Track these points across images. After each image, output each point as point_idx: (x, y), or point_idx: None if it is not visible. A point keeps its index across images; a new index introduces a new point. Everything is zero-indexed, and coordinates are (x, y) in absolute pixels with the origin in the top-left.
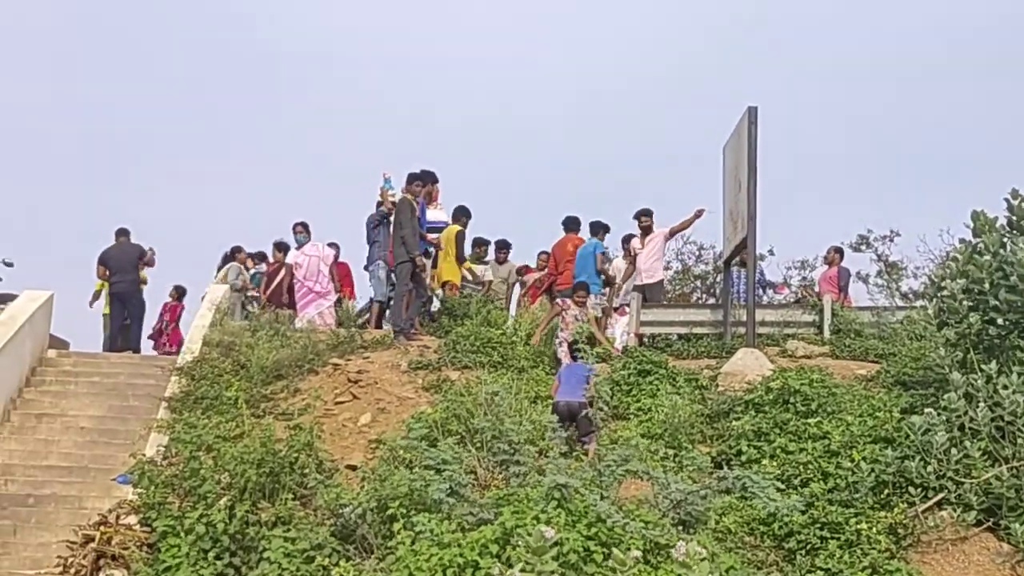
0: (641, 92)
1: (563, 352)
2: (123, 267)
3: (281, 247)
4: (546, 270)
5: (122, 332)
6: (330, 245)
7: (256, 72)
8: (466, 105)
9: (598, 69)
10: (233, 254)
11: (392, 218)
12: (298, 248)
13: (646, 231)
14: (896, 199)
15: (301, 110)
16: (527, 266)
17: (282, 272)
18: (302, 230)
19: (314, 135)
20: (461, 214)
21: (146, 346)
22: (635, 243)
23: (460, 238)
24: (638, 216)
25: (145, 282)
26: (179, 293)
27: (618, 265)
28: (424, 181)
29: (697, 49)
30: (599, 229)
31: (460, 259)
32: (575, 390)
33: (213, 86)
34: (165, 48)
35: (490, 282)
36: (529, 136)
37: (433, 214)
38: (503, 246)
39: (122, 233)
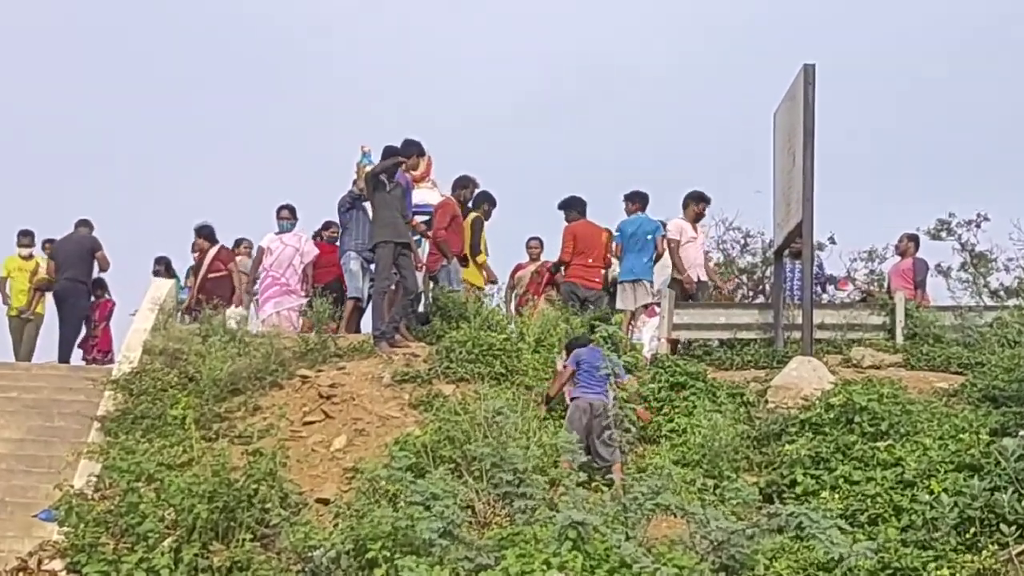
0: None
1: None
2: (71, 261)
3: (203, 231)
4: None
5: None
6: (319, 236)
7: (243, 62)
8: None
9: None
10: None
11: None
12: (278, 234)
13: (697, 218)
14: (984, 177)
15: (290, 103)
16: (518, 264)
17: (208, 259)
18: (288, 215)
19: (304, 129)
20: (483, 200)
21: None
22: (685, 228)
23: (478, 226)
24: (697, 199)
25: (103, 288)
26: (104, 288)
27: None
28: (407, 155)
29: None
30: (643, 200)
31: (475, 252)
32: (602, 384)
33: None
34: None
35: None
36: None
37: (422, 194)
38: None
39: (82, 224)
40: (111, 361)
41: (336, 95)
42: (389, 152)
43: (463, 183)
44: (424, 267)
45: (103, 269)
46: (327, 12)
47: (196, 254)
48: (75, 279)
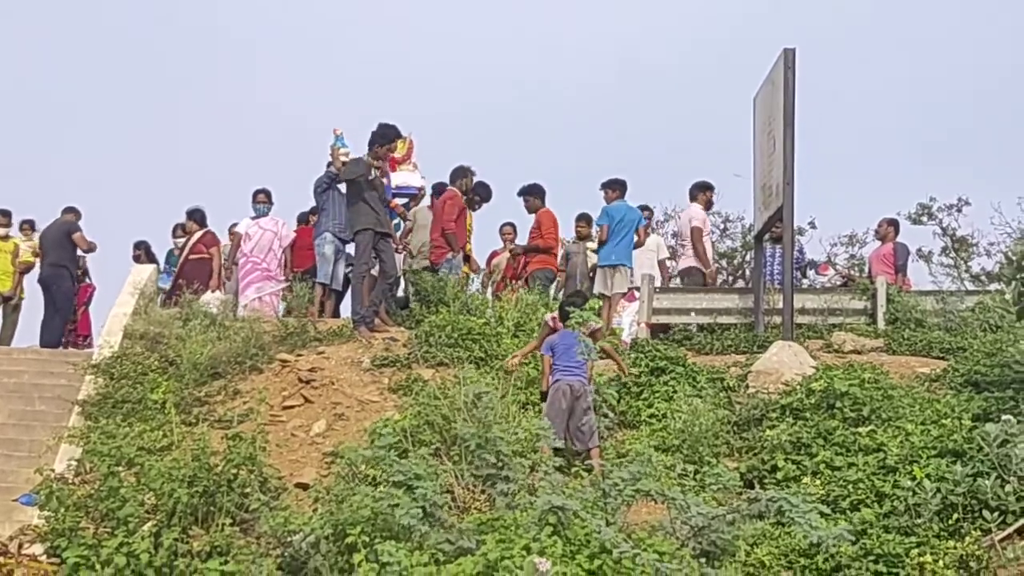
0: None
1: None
2: (51, 247)
3: (195, 215)
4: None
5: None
6: (306, 220)
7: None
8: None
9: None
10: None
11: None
12: (255, 218)
13: (708, 206)
14: (964, 161)
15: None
16: (493, 251)
17: (192, 241)
18: (264, 199)
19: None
20: (477, 190)
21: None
22: (699, 217)
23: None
24: (705, 188)
25: (84, 272)
26: (84, 271)
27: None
28: (386, 140)
29: None
30: (622, 187)
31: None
32: (580, 364)
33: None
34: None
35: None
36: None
37: (403, 176)
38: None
39: (67, 211)
40: (90, 345)
41: (311, 77)
42: (378, 132)
43: (461, 173)
44: (404, 249)
45: (86, 250)
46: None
47: (184, 237)
48: (56, 263)
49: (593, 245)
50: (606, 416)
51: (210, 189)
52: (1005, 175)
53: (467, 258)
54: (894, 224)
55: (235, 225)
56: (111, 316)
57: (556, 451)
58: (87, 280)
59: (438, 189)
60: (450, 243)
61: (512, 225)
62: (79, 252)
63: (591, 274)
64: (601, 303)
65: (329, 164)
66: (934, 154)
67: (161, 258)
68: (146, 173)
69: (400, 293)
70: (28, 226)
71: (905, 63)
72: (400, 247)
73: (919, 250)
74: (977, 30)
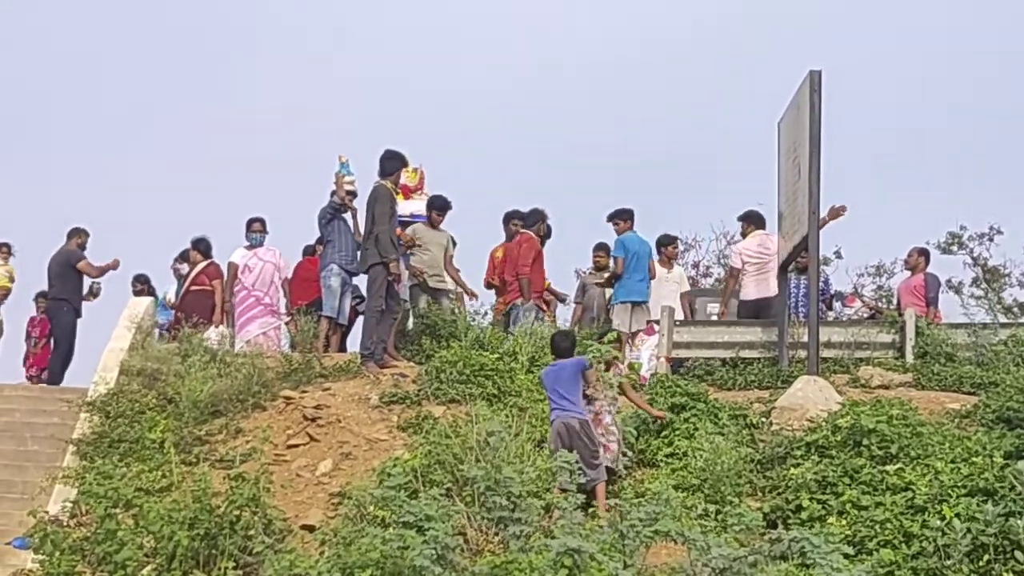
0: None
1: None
2: (52, 279)
3: (199, 245)
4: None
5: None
6: (313, 251)
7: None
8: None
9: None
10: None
11: (356, 211)
12: (250, 248)
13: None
14: (996, 188)
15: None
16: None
17: (195, 272)
18: (260, 228)
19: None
20: (536, 219)
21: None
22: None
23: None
24: (750, 218)
25: (95, 294)
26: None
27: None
28: (390, 171)
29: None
30: (631, 217)
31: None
32: (569, 398)
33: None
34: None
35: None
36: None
37: (414, 205)
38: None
39: (73, 234)
40: (43, 380)
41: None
42: (390, 163)
43: (539, 216)
44: (403, 280)
45: (96, 276)
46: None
47: (185, 267)
48: (56, 297)
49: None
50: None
51: (202, 217)
52: None
53: (547, 302)
54: (925, 254)
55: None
56: (107, 351)
57: (563, 490)
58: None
59: (506, 217)
60: (523, 289)
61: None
62: (90, 279)
63: (608, 307)
64: (616, 335)
65: (333, 193)
66: (964, 181)
67: (163, 292)
68: (132, 199)
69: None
70: (5, 249)
71: (933, 86)
72: (398, 279)
73: (949, 281)
74: (1009, 51)
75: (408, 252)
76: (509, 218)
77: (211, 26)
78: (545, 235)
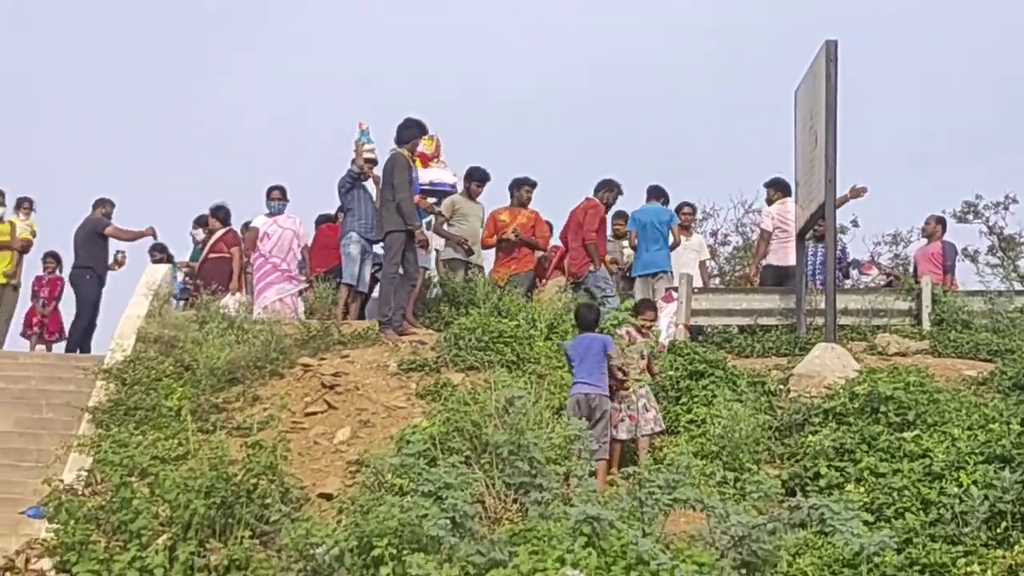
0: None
1: (627, 421)
2: (77, 248)
3: (218, 212)
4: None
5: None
6: (334, 219)
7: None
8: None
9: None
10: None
11: (376, 178)
12: (270, 216)
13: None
14: (1011, 157)
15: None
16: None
17: (213, 239)
18: (279, 196)
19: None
20: (602, 187)
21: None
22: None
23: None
24: (777, 185)
25: (120, 263)
26: (56, 262)
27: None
28: (408, 138)
29: None
30: (660, 194)
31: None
32: (593, 373)
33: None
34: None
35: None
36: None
37: (433, 173)
38: (479, 178)
39: (98, 203)
40: (59, 341)
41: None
42: (408, 130)
43: (608, 186)
44: (429, 247)
45: (129, 240)
46: None
47: (201, 233)
48: (79, 265)
49: (625, 243)
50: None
51: (220, 186)
52: None
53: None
54: (942, 222)
55: (248, 223)
56: (123, 318)
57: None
58: (59, 272)
59: (517, 183)
60: (591, 255)
61: (548, 224)
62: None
63: (627, 273)
64: (633, 302)
65: (352, 161)
66: (980, 150)
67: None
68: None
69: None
70: (27, 204)
71: (948, 56)
72: (424, 246)
73: (965, 249)
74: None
75: (447, 222)
76: (520, 184)
77: None
78: (609, 204)
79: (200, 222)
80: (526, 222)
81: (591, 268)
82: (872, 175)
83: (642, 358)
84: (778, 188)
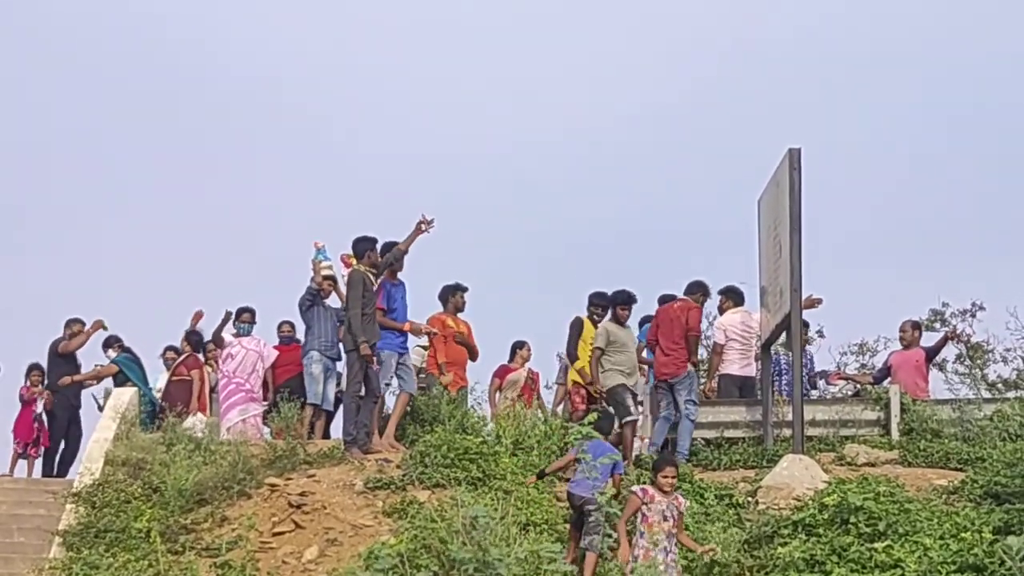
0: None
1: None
2: (48, 372)
3: (191, 337)
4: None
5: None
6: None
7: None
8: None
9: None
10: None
11: (341, 294)
12: (236, 336)
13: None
14: (977, 264)
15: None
16: (504, 366)
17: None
18: (248, 319)
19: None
20: (697, 289)
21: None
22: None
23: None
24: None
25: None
26: (42, 373)
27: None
28: (359, 252)
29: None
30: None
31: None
32: (586, 479)
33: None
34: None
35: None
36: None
37: None
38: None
39: (67, 325)
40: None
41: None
42: (363, 245)
43: (703, 290)
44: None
45: (75, 348)
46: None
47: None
48: (52, 389)
49: None
50: (609, 536)
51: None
52: (1021, 278)
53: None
54: (919, 327)
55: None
56: (92, 442)
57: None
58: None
59: (452, 289)
60: (693, 352)
61: (529, 347)
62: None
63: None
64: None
65: (312, 279)
66: (945, 257)
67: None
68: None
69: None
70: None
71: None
72: (366, 358)
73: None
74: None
75: (603, 354)
76: (455, 290)
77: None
78: (596, 306)
79: (175, 349)
80: (466, 331)
81: (688, 369)
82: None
83: (665, 520)
84: (730, 296)
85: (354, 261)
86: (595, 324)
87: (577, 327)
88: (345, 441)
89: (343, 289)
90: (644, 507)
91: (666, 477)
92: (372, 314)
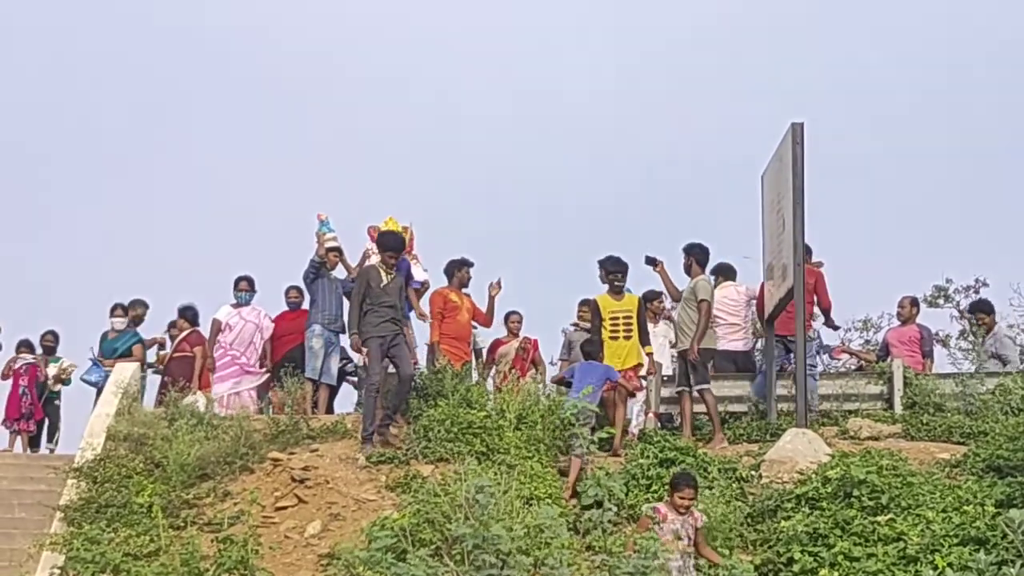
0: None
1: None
2: None
3: (186, 313)
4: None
5: None
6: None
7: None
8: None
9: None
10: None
11: (348, 266)
12: (236, 306)
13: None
14: (982, 240)
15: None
16: (497, 340)
17: (178, 340)
18: (247, 287)
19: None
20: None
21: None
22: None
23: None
24: (720, 271)
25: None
26: (31, 350)
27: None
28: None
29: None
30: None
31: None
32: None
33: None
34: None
35: None
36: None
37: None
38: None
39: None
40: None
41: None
42: (385, 240)
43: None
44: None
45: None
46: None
47: (174, 334)
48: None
49: None
50: (611, 510)
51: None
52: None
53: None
54: (916, 304)
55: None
56: (93, 417)
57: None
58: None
59: (459, 264)
60: (830, 320)
61: (519, 314)
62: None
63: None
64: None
65: (316, 251)
66: (949, 233)
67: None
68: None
69: None
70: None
71: (915, 134)
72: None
73: (936, 334)
74: (996, 99)
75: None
76: (460, 265)
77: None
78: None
79: (172, 325)
80: (470, 305)
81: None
82: (840, 259)
83: (679, 539)
84: (720, 272)
85: (376, 234)
86: (615, 291)
87: (597, 312)
88: (361, 438)
89: (349, 260)
90: (656, 527)
91: (683, 498)
92: (378, 308)
